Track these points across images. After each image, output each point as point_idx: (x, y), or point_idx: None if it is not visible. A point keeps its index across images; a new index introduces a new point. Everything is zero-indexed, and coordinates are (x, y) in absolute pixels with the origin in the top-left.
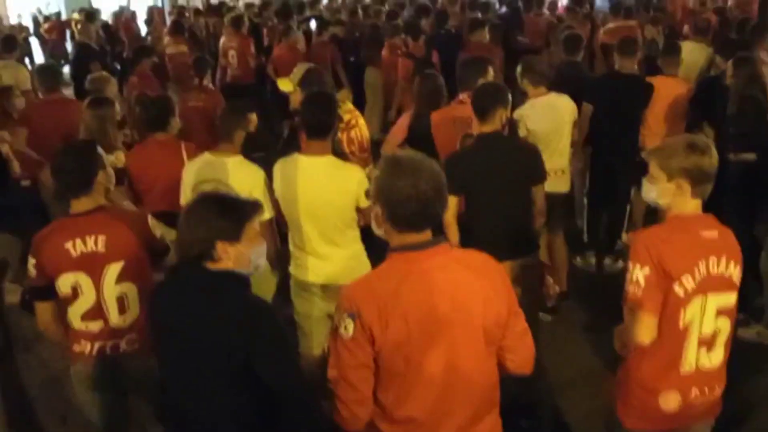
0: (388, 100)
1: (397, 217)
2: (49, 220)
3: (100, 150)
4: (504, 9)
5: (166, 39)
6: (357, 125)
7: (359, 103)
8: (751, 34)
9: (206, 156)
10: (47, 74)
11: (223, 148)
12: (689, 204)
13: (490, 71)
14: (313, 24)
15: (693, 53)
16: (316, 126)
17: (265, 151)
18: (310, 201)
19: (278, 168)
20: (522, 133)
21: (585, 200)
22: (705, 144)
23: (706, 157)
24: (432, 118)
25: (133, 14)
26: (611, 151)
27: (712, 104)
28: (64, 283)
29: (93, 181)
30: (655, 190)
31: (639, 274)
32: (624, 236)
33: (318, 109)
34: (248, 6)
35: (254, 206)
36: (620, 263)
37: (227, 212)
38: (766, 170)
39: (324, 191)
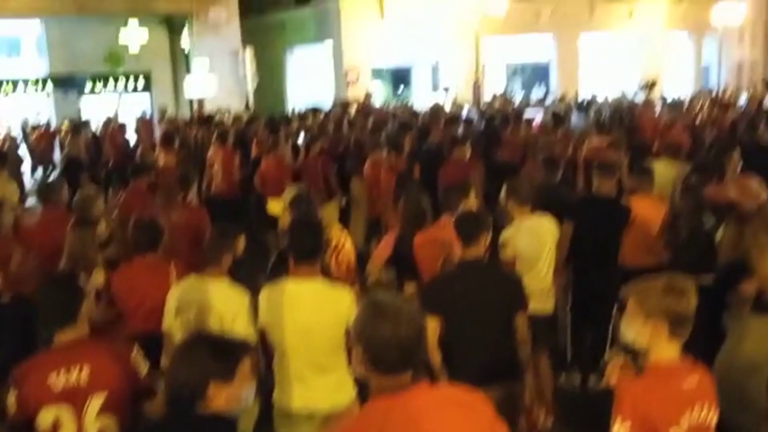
0: (370, 212)
1: (377, 361)
2: (33, 336)
3: (81, 280)
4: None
5: (158, 150)
6: (344, 248)
7: (345, 212)
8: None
9: (191, 279)
10: (52, 190)
11: (210, 271)
12: (667, 349)
13: (472, 195)
14: (301, 137)
15: (666, 171)
16: (305, 251)
17: (249, 261)
18: (299, 326)
19: (265, 295)
20: (509, 254)
21: (568, 318)
22: (683, 286)
23: (683, 299)
24: (415, 240)
25: (122, 126)
26: (593, 270)
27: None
28: (45, 417)
29: (78, 313)
30: (632, 331)
31: (621, 429)
32: (608, 354)
33: (306, 235)
34: (236, 119)
35: (245, 347)
36: (605, 381)
37: (220, 355)
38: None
39: (314, 315)
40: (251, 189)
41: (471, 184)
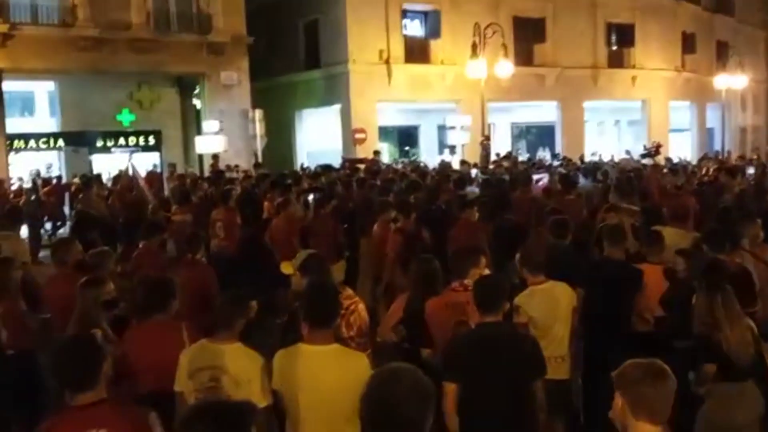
0: (378, 272)
1: (380, 427)
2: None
3: (100, 340)
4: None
5: (174, 207)
6: (356, 310)
7: (352, 270)
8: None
9: (204, 343)
10: (65, 248)
11: (222, 335)
12: (642, 429)
13: (483, 261)
14: (311, 196)
15: (674, 240)
16: (321, 317)
17: (257, 321)
18: (314, 393)
19: (280, 360)
20: (523, 319)
21: (580, 381)
22: (658, 371)
23: (657, 384)
24: (427, 306)
25: (133, 182)
26: (605, 335)
27: None
28: None
29: (99, 376)
30: (615, 413)
31: None
32: None
33: (322, 300)
34: (247, 176)
35: (253, 414)
36: None
37: (226, 425)
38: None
39: (329, 382)
40: (260, 246)
41: (481, 249)
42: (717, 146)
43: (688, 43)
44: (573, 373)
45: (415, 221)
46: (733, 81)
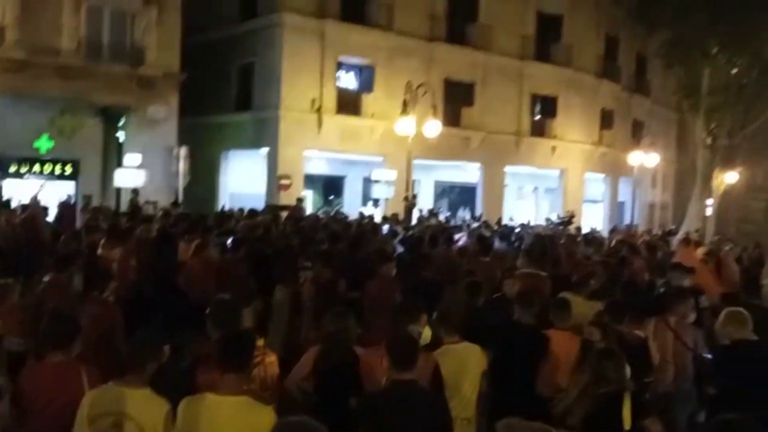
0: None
1: None
2: None
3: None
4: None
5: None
6: (262, 363)
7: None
8: (663, 301)
9: (109, 386)
10: None
11: (130, 379)
12: None
13: (423, 318)
14: (229, 240)
15: (580, 308)
16: (234, 364)
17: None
18: None
19: (184, 408)
20: None
21: None
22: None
23: None
24: (362, 357)
25: (42, 210)
26: (509, 397)
27: None
28: None
29: None
30: None
31: None
32: None
33: (237, 348)
34: (166, 213)
35: None
36: None
37: None
38: None
39: None
40: (172, 287)
41: (422, 306)
42: (627, 219)
43: (607, 119)
44: None
45: (334, 271)
46: (645, 158)
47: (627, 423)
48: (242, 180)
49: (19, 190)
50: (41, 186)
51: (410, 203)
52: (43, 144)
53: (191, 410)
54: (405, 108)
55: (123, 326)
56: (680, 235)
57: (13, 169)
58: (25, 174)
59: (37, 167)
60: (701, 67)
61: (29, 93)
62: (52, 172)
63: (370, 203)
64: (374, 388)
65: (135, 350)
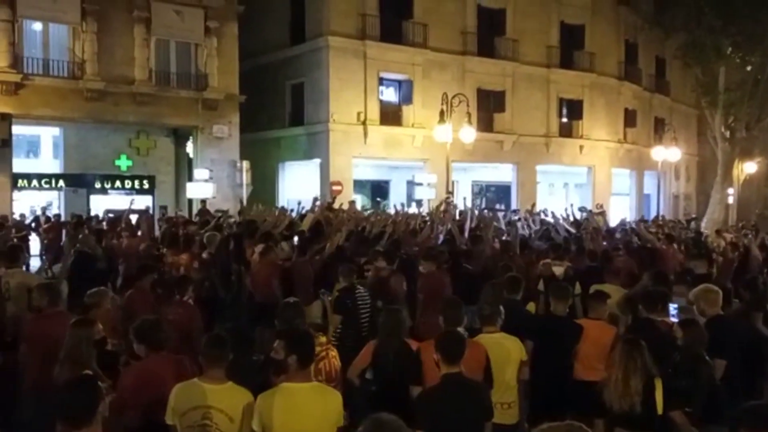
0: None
1: None
2: None
3: (100, 383)
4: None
5: (165, 250)
6: (326, 357)
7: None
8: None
9: (195, 382)
10: (49, 290)
11: (213, 374)
12: None
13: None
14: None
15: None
16: (307, 357)
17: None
18: (297, 425)
19: (263, 401)
20: None
21: (526, 425)
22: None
23: None
24: (423, 349)
25: (129, 223)
26: (549, 382)
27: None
28: None
29: (95, 414)
30: None
31: None
32: None
33: (308, 345)
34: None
35: None
36: None
37: None
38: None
39: (312, 414)
40: (241, 289)
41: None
42: (653, 210)
43: (630, 118)
44: (521, 418)
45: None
46: (668, 153)
47: (659, 408)
48: (298, 187)
49: (103, 205)
50: (132, 201)
51: (447, 201)
52: (123, 162)
53: (272, 400)
54: (442, 117)
55: (201, 326)
56: (704, 223)
57: (97, 185)
58: (108, 190)
59: (118, 183)
60: (717, 66)
61: (109, 118)
62: (131, 187)
63: (414, 204)
64: (430, 380)
65: (215, 347)
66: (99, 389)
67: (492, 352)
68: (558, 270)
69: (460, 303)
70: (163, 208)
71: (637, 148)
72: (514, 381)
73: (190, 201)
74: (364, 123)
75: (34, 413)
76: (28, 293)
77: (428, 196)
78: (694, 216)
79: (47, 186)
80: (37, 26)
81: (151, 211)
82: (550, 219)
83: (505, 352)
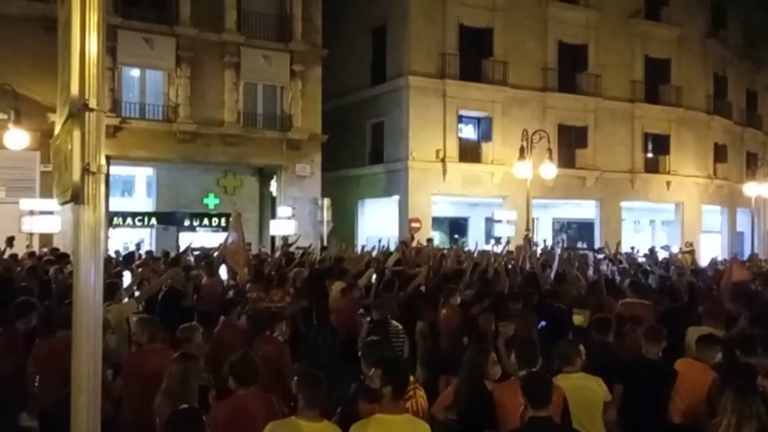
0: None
1: None
2: None
3: (204, 418)
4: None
5: (248, 285)
6: (414, 396)
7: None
8: None
9: (292, 420)
10: (150, 326)
11: (309, 414)
12: None
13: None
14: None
15: None
16: (401, 388)
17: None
18: None
19: (363, 430)
20: None
21: None
22: None
23: None
24: (497, 391)
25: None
26: (642, 426)
27: None
28: None
29: None
30: None
31: None
32: None
33: (402, 374)
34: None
35: None
36: None
37: None
38: None
39: None
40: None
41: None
42: (747, 249)
43: (720, 153)
44: None
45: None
46: (761, 189)
47: None
48: (377, 224)
49: (193, 241)
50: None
51: (528, 238)
52: (211, 201)
53: (370, 429)
54: (522, 154)
55: (290, 362)
56: None
57: (186, 223)
58: (196, 227)
59: (206, 221)
60: None
61: (199, 159)
62: (218, 225)
63: (492, 241)
64: (506, 423)
65: (312, 386)
66: (203, 423)
67: (573, 394)
68: (578, 319)
69: (534, 342)
70: (248, 245)
71: (729, 184)
72: (600, 424)
73: (273, 238)
74: (443, 160)
75: None
76: (126, 322)
77: (507, 233)
78: None
79: (140, 224)
80: (135, 72)
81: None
82: (642, 258)
83: (587, 392)
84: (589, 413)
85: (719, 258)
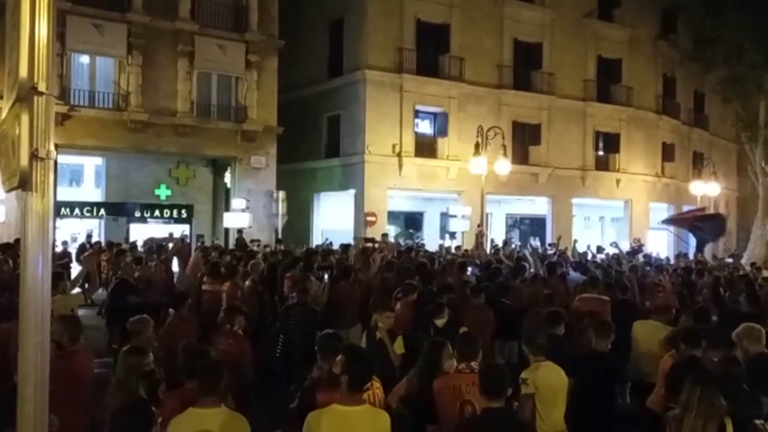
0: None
1: None
2: None
3: (154, 409)
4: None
5: (205, 278)
6: (371, 388)
7: None
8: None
9: (191, 410)
10: (73, 325)
11: (207, 401)
12: None
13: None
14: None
15: (656, 332)
16: (361, 381)
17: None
18: None
19: (318, 418)
20: (530, 390)
21: None
22: None
23: None
24: (435, 385)
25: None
26: (591, 416)
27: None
28: None
29: None
30: None
31: None
32: None
33: (365, 367)
34: (272, 253)
35: None
36: None
37: None
38: None
39: None
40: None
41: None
42: (692, 245)
43: (668, 152)
44: None
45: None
46: (707, 188)
47: None
48: (332, 218)
49: (142, 233)
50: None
51: (480, 233)
52: (163, 192)
53: (324, 419)
54: (477, 149)
55: (251, 356)
56: (745, 260)
57: (137, 214)
58: (147, 218)
59: (157, 212)
60: (757, 101)
61: (151, 149)
62: (170, 216)
63: (447, 236)
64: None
65: (208, 377)
66: (152, 414)
67: (546, 375)
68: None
69: (476, 338)
70: (200, 237)
71: (676, 182)
72: (562, 410)
73: (227, 230)
74: (399, 155)
75: None
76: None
77: (462, 228)
78: (734, 252)
79: (89, 214)
80: (85, 59)
81: (188, 240)
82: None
83: (560, 377)
84: (562, 397)
85: (663, 254)
